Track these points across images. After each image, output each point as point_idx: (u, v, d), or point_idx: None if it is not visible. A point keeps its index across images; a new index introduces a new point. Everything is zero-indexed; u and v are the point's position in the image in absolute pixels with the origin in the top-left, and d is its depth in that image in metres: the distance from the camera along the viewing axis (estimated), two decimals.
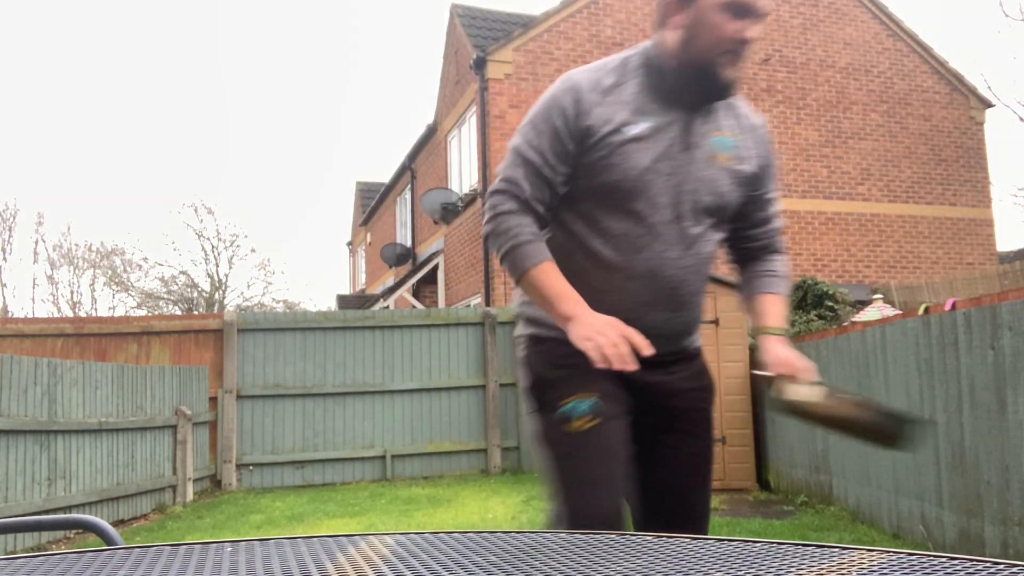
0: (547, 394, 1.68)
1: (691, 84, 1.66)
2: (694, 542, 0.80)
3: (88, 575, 0.71)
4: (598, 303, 1.60)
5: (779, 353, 1.70)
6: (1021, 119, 18.87)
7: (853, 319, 7.92)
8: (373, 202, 20.18)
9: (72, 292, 28.63)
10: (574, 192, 1.69)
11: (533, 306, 1.74)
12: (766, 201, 1.83)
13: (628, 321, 1.57)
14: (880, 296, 9.28)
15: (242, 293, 28.48)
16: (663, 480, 1.76)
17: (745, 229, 1.84)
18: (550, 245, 1.69)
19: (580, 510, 1.60)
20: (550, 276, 1.62)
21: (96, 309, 28.56)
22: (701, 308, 1.83)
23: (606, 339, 1.49)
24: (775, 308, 1.82)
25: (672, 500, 1.76)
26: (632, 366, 1.47)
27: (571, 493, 1.63)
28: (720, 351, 7.23)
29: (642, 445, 1.73)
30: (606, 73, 1.68)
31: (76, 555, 0.79)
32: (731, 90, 1.69)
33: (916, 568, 0.64)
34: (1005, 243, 21.19)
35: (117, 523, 6.53)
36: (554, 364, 1.68)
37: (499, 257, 1.69)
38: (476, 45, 11.68)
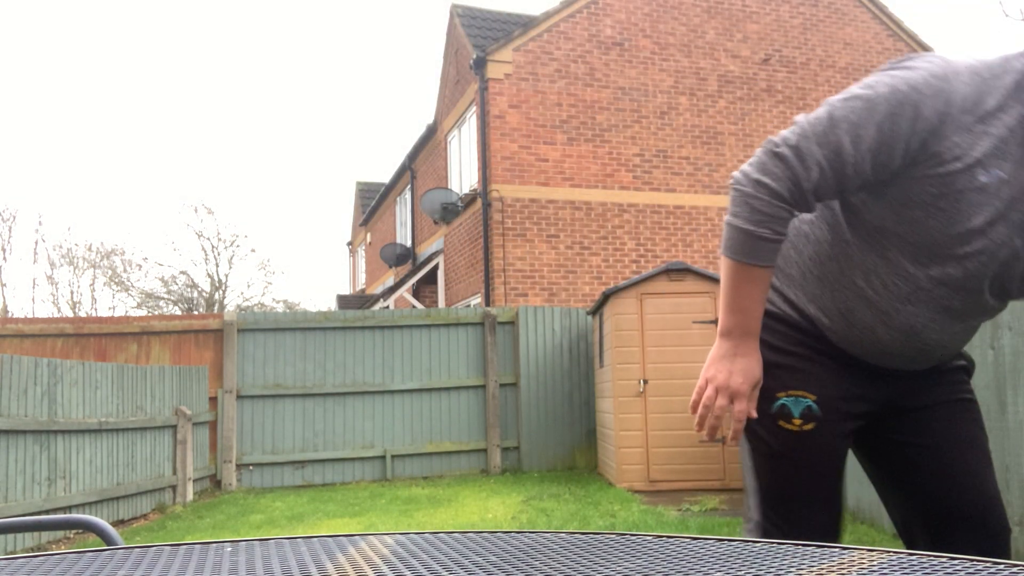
0: (765, 380, 1.45)
1: None
2: (694, 542, 0.80)
3: (88, 575, 0.71)
4: (840, 323, 1.44)
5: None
6: None
7: None
8: (373, 202, 20.19)
9: (72, 292, 28.63)
10: (877, 211, 1.37)
11: (783, 283, 1.52)
12: None
13: (860, 354, 1.44)
14: None
15: (242, 293, 28.50)
16: (937, 475, 1.47)
17: None
18: (815, 239, 1.47)
19: (793, 527, 1.47)
20: (754, 284, 1.40)
21: (96, 309, 28.57)
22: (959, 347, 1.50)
23: (712, 395, 1.39)
24: None
25: (961, 495, 1.45)
26: (710, 438, 1.40)
27: (780, 505, 1.50)
28: None
29: (890, 444, 1.53)
30: (992, 90, 1.29)
31: (76, 555, 0.79)
32: None
33: (916, 568, 0.64)
34: None
35: (117, 523, 6.53)
36: (778, 347, 1.47)
37: (728, 221, 1.41)
38: (476, 45, 11.69)
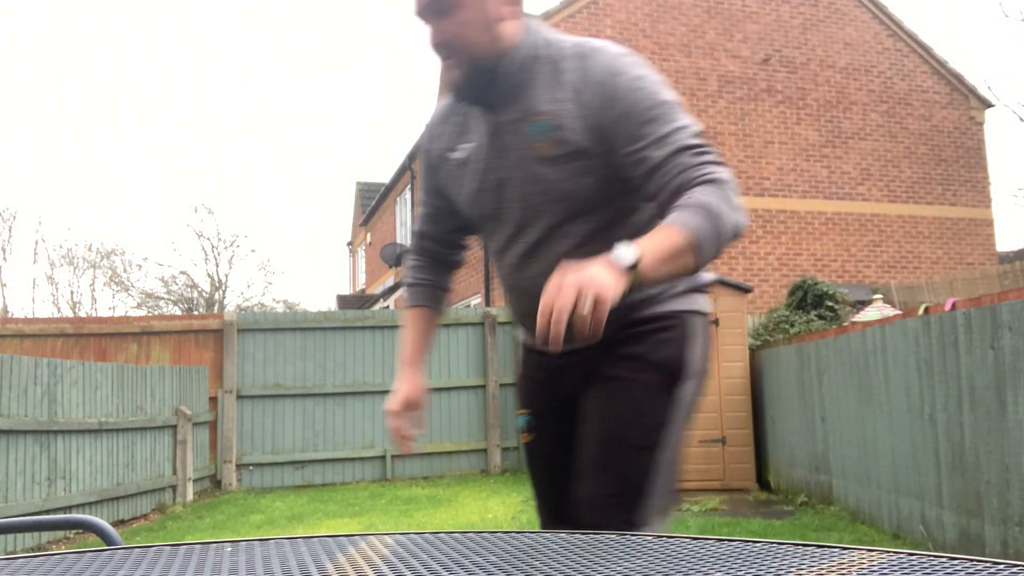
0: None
1: (459, 95, 1.55)
2: (694, 542, 0.80)
3: (88, 575, 0.71)
4: (509, 304, 1.69)
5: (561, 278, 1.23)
6: (1021, 119, 18.88)
7: (853, 319, 7.92)
8: (373, 202, 20.19)
9: (72, 292, 28.63)
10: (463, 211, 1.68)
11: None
12: (633, 155, 1.41)
13: (522, 322, 1.66)
14: (880, 296, 9.28)
15: (242, 293, 28.51)
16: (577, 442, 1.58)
17: (642, 190, 1.45)
18: None
19: (540, 515, 1.73)
20: (406, 323, 1.79)
21: (96, 309, 28.57)
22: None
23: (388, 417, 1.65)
24: (652, 234, 1.31)
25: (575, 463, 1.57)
26: (404, 450, 1.64)
27: (536, 498, 1.75)
28: (720, 351, 7.23)
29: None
30: (451, 102, 1.63)
31: (76, 555, 0.79)
32: (471, 90, 1.51)
33: (916, 568, 0.64)
34: (1005, 243, 21.19)
35: (117, 523, 6.53)
36: (519, 374, 1.77)
37: None
38: None
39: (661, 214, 1.38)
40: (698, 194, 1.32)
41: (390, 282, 17.13)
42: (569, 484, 1.55)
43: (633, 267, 1.22)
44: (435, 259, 1.79)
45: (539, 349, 1.60)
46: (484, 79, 1.47)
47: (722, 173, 1.36)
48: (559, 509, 1.62)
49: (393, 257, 16.54)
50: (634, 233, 1.39)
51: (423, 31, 1.48)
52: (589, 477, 1.49)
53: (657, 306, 1.53)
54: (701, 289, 1.62)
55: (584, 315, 1.14)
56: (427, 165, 1.69)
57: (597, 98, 1.44)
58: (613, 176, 1.46)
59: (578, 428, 1.54)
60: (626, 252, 1.23)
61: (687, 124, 1.43)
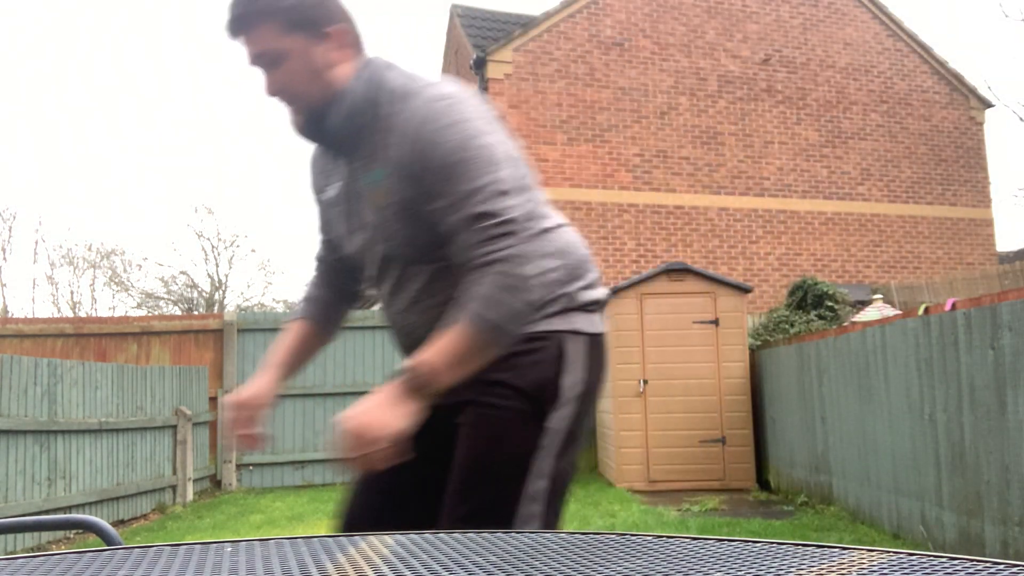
0: None
1: (308, 139, 1.56)
2: (694, 542, 0.80)
3: (88, 575, 0.71)
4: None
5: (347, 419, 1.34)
6: (1021, 119, 18.88)
7: (853, 319, 7.92)
8: None
9: (72, 292, 28.62)
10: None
11: None
12: (437, 212, 1.40)
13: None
14: (880, 296, 9.28)
15: (242, 293, 28.47)
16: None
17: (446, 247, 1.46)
18: None
19: None
20: (286, 332, 1.77)
21: (96, 309, 28.56)
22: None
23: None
24: (435, 344, 1.34)
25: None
26: (234, 447, 1.60)
27: None
28: (720, 351, 7.23)
29: None
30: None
31: (76, 555, 0.79)
32: (314, 134, 1.51)
33: (916, 568, 0.64)
34: (1005, 243, 21.20)
35: (117, 523, 6.53)
36: None
37: None
38: (476, 45, 11.69)
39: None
40: (479, 286, 1.33)
41: None
42: (390, 494, 1.58)
43: (423, 385, 1.30)
44: (330, 282, 1.78)
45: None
46: (317, 124, 1.48)
47: (503, 251, 1.33)
48: (365, 508, 1.61)
49: None
50: (445, 293, 1.47)
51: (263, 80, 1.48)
52: (451, 502, 1.46)
53: (528, 326, 1.44)
54: (585, 308, 1.56)
55: (365, 458, 1.28)
56: (315, 201, 1.72)
57: (409, 147, 1.41)
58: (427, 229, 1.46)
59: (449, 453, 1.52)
60: (413, 376, 1.30)
61: (486, 183, 1.36)
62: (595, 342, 1.57)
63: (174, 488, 7.48)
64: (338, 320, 1.82)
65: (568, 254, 1.55)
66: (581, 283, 1.57)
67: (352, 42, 1.50)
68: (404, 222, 1.46)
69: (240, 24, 1.43)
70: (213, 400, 8.36)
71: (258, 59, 1.44)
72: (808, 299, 8.70)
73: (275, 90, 1.46)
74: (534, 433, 1.46)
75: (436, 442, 1.51)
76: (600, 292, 1.62)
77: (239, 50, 1.48)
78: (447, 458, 1.51)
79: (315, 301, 1.77)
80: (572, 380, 1.50)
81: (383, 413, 1.28)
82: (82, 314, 27.39)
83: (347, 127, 1.47)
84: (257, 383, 1.66)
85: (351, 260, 1.67)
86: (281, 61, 1.43)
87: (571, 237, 1.60)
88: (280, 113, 1.74)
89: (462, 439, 1.49)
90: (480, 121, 1.41)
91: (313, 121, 1.48)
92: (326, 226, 1.71)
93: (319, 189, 1.65)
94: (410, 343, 1.54)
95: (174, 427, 7.51)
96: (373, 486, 1.61)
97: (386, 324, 1.66)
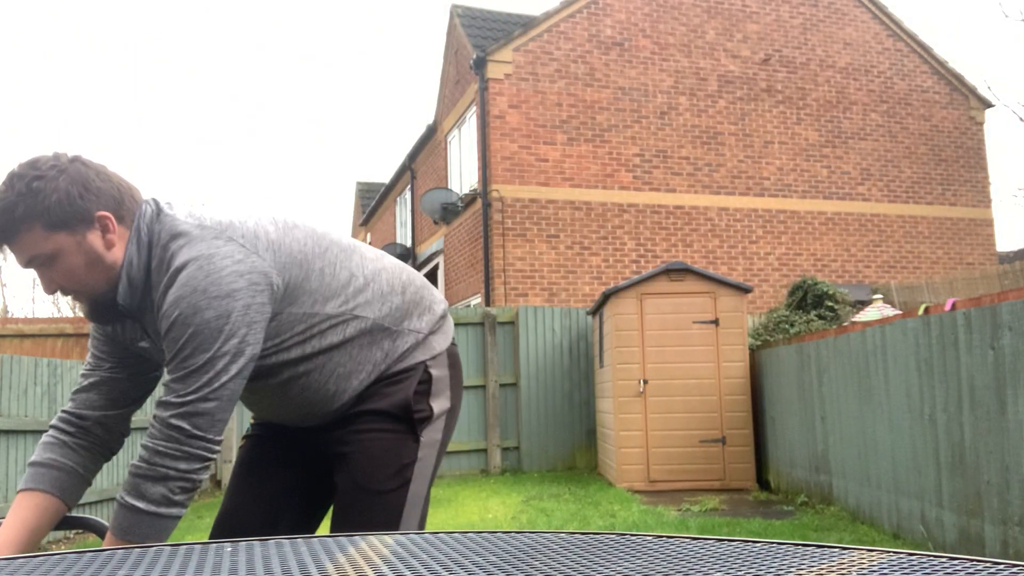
0: None
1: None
2: (694, 542, 0.80)
3: (88, 575, 0.71)
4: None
5: None
6: (1021, 119, 18.88)
7: (853, 319, 7.92)
8: (373, 202, 20.19)
9: None
10: None
11: None
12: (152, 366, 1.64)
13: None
14: (880, 296, 9.28)
15: None
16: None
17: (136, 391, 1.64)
18: None
19: None
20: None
21: None
22: (316, 405, 1.65)
23: None
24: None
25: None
26: None
27: None
28: (720, 351, 7.23)
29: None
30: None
31: (76, 555, 0.79)
32: (106, 318, 1.53)
33: (916, 568, 0.64)
34: (1005, 243, 21.20)
35: None
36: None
37: None
38: (476, 45, 11.69)
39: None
40: (127, 492, 1.41)
41: None
42: (253, 504, 1.74)
43: None
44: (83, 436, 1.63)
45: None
46: (107, 309, 1.49)
47: (179, 422, 1.40)
48: (236, 518, 1.75)
49: (393, 257, 16.54)
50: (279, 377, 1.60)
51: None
52: (342, 520, 1.61)
53: (399, 363, 1.65)
54: (432, 330, 1.73)
55: None
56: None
57: (161, 317, 1.45)
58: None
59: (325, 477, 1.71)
60: None
61: (187, 369, 1.41)
62: (451, 352, 1.76)
63: None
64: (82, 482, 1.67)
65: (394, 294, 1.68)
66: (419, 309, 1.72)
67: (124, 215, 1.48)
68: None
69: (3, 237, 1.40)
70: None
71: (31, 263, 1.42)
72: (808, 299, 8.70)
73: (55, 288, 1.44)
74: (411, 448, 1.64)
75: (304, 455, 1.75)
76: (440, 306, 1.78)
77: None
78: (316, 471, 1.73)
79: (51, 467, 1.59)
80: (442, 400, 1.70)
81: None
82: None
83: (137, 300, 1.48)
84: None
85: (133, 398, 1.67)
86: (54, 261, 1.42)
87: (390, 276, 1.70)
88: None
89: (344, 462, 1.64)
90: (200, 299, 1.43)
91: (104, 306, 1.49)
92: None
93: (131, 341, 1.59)
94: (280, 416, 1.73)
95: None
96: (248, 491, 1.76)
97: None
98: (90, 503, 6.17)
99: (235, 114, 53.21)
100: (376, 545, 0.82)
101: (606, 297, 7.61)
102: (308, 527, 1.79)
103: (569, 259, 11.23)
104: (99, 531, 1.59)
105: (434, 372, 1.69)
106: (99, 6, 50.21)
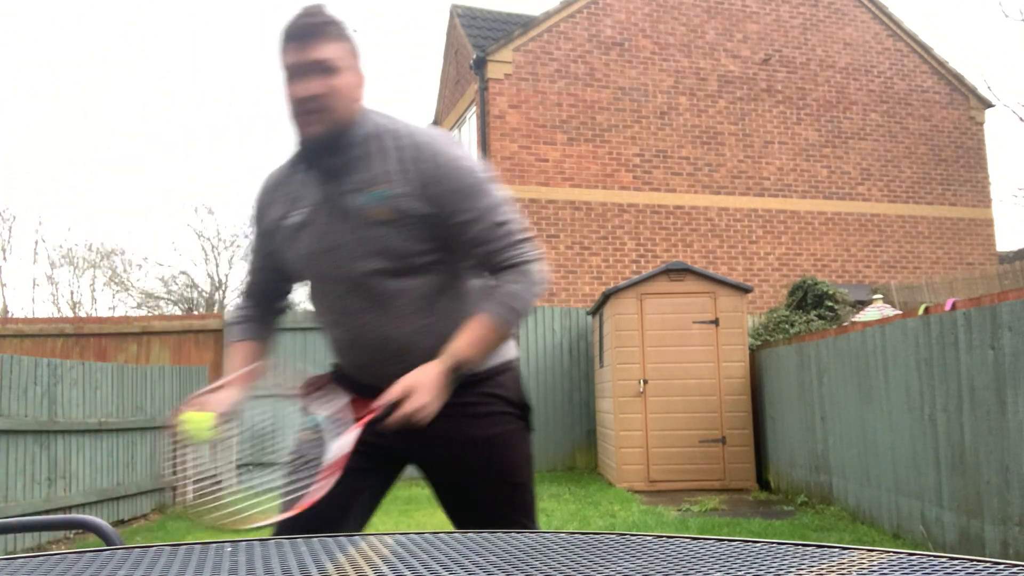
0: None
1: (303, 155, 1.70)
2: (694, 542, 0.80)
3: (88, 575, 0.71)
4: (334, 347, 1.84)
5: (403, 381, 1.56)
6: (1021, 119, 18.87)
7: (853, 319, 7.92)
8: None
9: (72, 292, 28.62)
10: (283, 270, 1.86)
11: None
12: (459, 226, 1.65)
13: (351, 369, 1.80)
14: (880, 296, 9.28)
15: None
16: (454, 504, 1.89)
17: (468, 257, 1.71)
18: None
19: None
20: (230, 352, 1.89)
21: (96, 309, 28.56)
22: (436, 350, 1.67)
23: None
24: (465, 333, 1.62)
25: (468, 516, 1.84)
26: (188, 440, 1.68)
27: None
28: (720, 351, 7.23)
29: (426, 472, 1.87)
30: (285, 166, 1.79)
31: (76, 555, 0.79)
32: (324, 145, 1.65)
33: (916, 568, 0.64)
34: (1005, 243, 21.19)
35: (117, 523, 6.53)
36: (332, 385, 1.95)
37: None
38: (476, 45, 11.69)
39: (486, 274, 1.72)
40: (505, 286, 1.65)
41: None
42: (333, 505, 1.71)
43: (457, 367, 1.58)
44: (260, 303, 1.93)
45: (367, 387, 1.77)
46: (334, 142, 1.64)
47: (529, 254, 1.66)
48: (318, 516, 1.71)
49: None
50: (459, 298, 1.71)
51: (287, 84, 1.63)
52: (491, 513, 1.75)
53: (506, 353, 1.79)
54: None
55: (413, 422, 1.53)
56: (260, 231, 1.83)
57: (424, 173, 1.63)
58: (443, 242, 1.67)
59: (451, 464, 1.79)
60: (451, 357, 1.59)
61: (500, 200, 1.67)
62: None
63: (174, 488, 7.48)
64: (272, 335, 1.98)
65: None
66: None
67: (363, 92, 1.71)
68: (405, 235, 1.65)
69: (320, 29, 1.61)
70: None
71: (315, 64, 1.60)
72: (808, 299, 8.70)
73: (314, 94, 1.60)
74: (529, 440, 1.82)
75: (386, 457, 1.81)
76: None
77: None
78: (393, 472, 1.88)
79: (250, 322, 1.91)
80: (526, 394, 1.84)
81: (431, 388, 1.54)
82: (82, 314, 27.40)
83: (355, 153, 1.65)
84: (223, 396, 1.71)
85: (288, 277, 1.87)
86: (334, 73, 1.61)
87: None
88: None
89: (487, 453, 1.74)
90: (475, 158, 1.72)
91: (330, 137, 1.63)
92: (274, 253, 1.80)
93: (281, 217, 1.73)
94: (376, 351, 1.72)
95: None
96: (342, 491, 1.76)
97: (345, 340, 1.78)
98: (90, 503, 6.17)
99: (234, 114, 53.21)
100: (376, 545, 0.82)
101: (606, 297, 7.61)
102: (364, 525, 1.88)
103: (569, 259, 11.23)
104: (99, 531, 1.59)
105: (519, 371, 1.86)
106: (99, 5, 50.20)
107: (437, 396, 1.55)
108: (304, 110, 1.61)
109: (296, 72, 1.61)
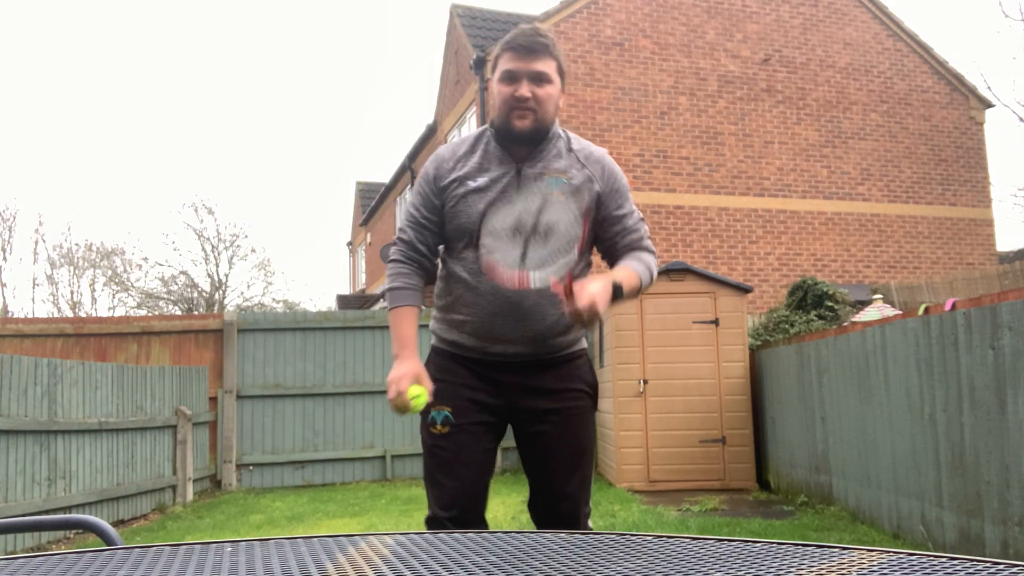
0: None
1: (505, 141, 2.10)
2: (694, 542, 0.80)
3: (88, 575, 0.71)
4: (465, 312, 2.12)
5: (591, 283, 1.92)
6: (1021, 119, 18.86)
7: (853, 319, 7.92)
8: (373, 202, 20.20)
9: (72, 292, 28.62)
10: (446, 233, 2.17)
11: (435, 321, 2.26)
12: (618, 217, 2.17)
13: (479, 327, 2.11)
14: (880, 296, 9.28)
15: (242, 293, 28.46)
16: (537, 467, 2.19)
17: (608, 241, 2.20)
18: (440, 275, 2.22)
19: (432, 498, 2.12)
20: (399, 319, 2.13)
21: (96, 309, 28.56)
22: (556, 318, 2.09)
23: (392, 388, 1.99)
24: (623, 270, 2.08)
25: (545, 486, 2.18)
26: (402, 412, 1.98)
27: (428, 482, 2.15)
28: (720, 351, 7.23)
29: (520, 437, 2.20)
30: (464, 144, 2.18)
31: (76, 555, 0.79)
32: (528, 137, 2.08)
33: (916, 568, 0.64)
34: (1005, 243, 21.20)
35: (117, 523, 6.53)
36: (432, 374, 2.11)
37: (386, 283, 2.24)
38: (476, 45, 11.68)
39: (612, 257, 2.21)
40: (645, 256, 2.19)
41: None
42: (475, 477, 2.11)
43: (618, 292, 1.97)
44: (419, 264, 2.18)
45: (479, 362, 2.15)
46: (534, 135, 2.09)
47: (652, 244, 2.26)
48: (468, 495, 2.10)
49: None
50: (577, 275, 2.11)
51: (520, 88, 2.05)
52: (567, 476, 2.15)
53: (576, 345, 2.22)
54: None
55: (589, 317, 1.87)
56: (436, 187, 2.14)
57: (598, 172, 2.16)
58: (591, 229, 2.16)
59: (536, 436, 2.16)
60: (618, 280, 1.99)
61: (634, 207, 2.24)
62: None
63: (174, 488, 7.48)
64: (423, 300, 2.26)
65: None
66: None
67: (562, 102, 2.20)
68: (572, 215, 2.09)
69: (546, 49, 2.07)
70: (213, 400, 8.36)
71: (539, 75, 2.07)
72: (808, 299, 8.70)
73: (533, 96, 2.06)
74: (594, 419, 2.25)
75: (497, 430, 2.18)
76: None
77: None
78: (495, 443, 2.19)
79: (412, 289, 2.17)
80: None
81: (605, 294, 1.91)
82: (82, 314, 27.40)
83: (545, 147, 2.13)
84: (409, 365, 2.03)
85: (440, 239, 2.18)
86: (548, 85, 2.08)
87: None
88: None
89: (561, 430, 2.14)
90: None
91: (535, 130, 2.09)
92: (442, 207, 2.13)
93: (467, 176, 2.10)
94: (511, 304, 2.07)
95: (174, 427, 7.51)
96: (469, 462, 2.12)
97: (488, 283, 2.08)
98: (90, 503, 6.17)
99: (234, 114, 53.20)
100: (376, 545, 0.82)
101: None
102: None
103: None
104: (99, 531, 1.59)
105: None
106: (99, 5, 50.20)
107: (607, 301, 1.92)
108: (520, 107, 2.04)
109: (519, 76, 2.04)
